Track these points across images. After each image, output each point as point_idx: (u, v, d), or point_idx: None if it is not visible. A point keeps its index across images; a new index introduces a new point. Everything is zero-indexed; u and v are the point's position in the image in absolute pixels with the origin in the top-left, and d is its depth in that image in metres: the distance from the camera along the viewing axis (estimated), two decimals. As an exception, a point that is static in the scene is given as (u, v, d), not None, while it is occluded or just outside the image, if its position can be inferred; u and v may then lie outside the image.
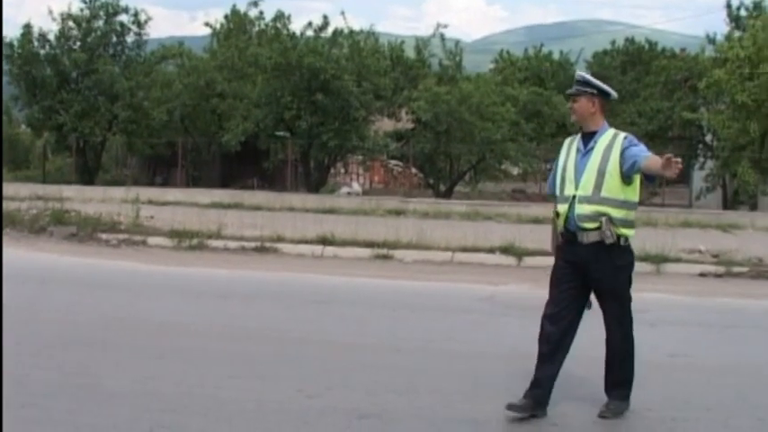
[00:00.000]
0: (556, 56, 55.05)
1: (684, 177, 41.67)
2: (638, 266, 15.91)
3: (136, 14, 41.57)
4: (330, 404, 7.22)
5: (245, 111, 37.31)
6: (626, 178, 7.09)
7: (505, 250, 16.71)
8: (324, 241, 17.40)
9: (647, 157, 6.93)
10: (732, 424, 7.08)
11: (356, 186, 44.21)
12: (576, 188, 7.15)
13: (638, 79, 46.65)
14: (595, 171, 7.09)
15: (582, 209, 7.09)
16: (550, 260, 16.64)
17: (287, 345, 9.44)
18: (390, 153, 41.89)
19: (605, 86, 7.47)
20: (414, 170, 42.98)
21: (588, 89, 7.37)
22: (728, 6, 38.55)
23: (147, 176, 45.84)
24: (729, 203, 36.80)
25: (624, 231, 7.12)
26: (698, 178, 39.25)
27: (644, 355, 9.05)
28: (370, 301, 12.34)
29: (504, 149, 38.34)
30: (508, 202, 33.46)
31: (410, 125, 42.23)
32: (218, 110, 40.67)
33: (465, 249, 16.94)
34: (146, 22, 41.75)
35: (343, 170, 46.71)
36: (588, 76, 7.49)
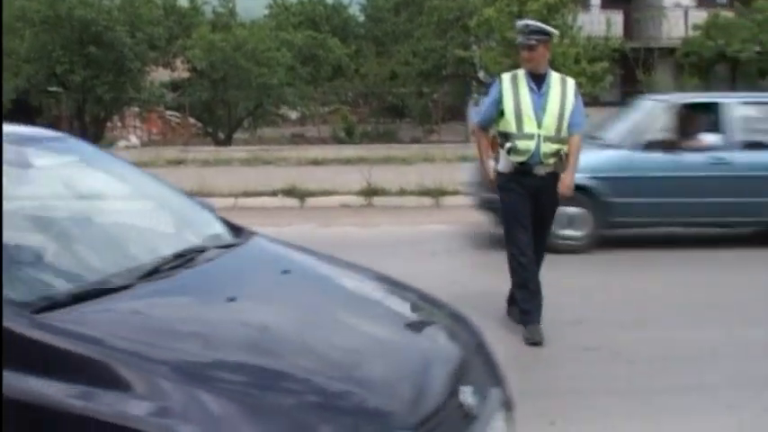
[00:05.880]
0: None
1: (459, 114, 42.65)
2: (419, 201, 16.48)
3: None
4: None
5: (14, 67, 36.13)
6: None
7: (288, 192, 16.92)
8: (104, 194, 17.20)
9: (578, 135, 7.84)
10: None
11: (134, 139, 43.41)
12: (539, 127, 7.64)
13: (411, 20, 47.18)
14: (557, 114, 7.69)
15: (547, 147, 7.67)
16: (332, 200, 16.99)
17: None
18: (167, 104, 41.35)
19: (553, 29, 8.05)
20: (192, 120, 42.58)
21: (545, 37, 7.80)
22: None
23: None
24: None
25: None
26: (473, 114, 40.06)
27: (429, 282, 9.44)
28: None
29: (281, 94, 38.38)
30: (288, 146, 33.65)
31: (186, 74, 41.82)
32: (-16, 67, 39.31)
33: (247, 194, 17.05)
34: None
35: (119, 123, 45.80)
36: (544, 25, 8.01)
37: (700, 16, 37.81)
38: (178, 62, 41.03)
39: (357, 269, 4.70)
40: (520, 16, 32.33)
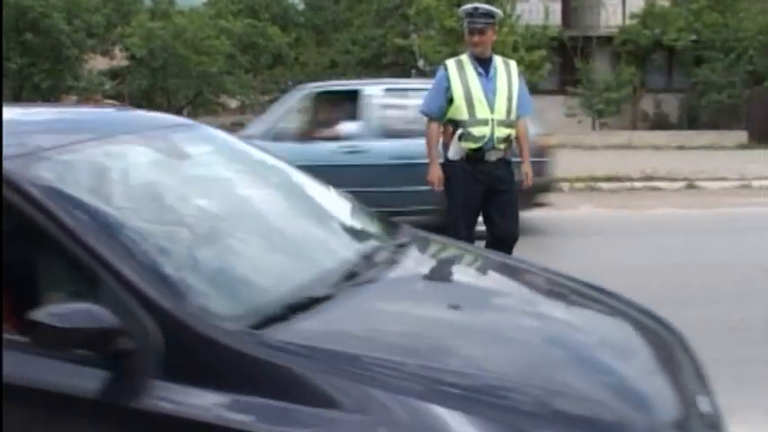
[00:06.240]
0: (269, -13, 54.97)
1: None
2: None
3: None
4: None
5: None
6: None
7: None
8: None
9: (525, 118, 7.82)
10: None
11: (72, 128, 43.14)
12: (492, 111, 7.46)
13: (351, 8, 47.14)
14: (506, 97, 7.53)
15: (500, 131, 7.48)
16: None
17: None
18: (106, 92, 41.03)
19: (499, 11, 8.06)
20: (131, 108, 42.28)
21: (493, 20, 7.72)
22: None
23: None
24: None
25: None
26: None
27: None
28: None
29: (220, 82, 38.31)
30: (228, 135, 33.53)
31: (125, 62, 41.53)
32: None
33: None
34: None
35: (57, 112, 45.44)
36: (492, 8, 7.90)
37: (637, 5, 38.08)
38: (117, 50, 40.73)
39: (529, 264, 4.42)
40: (459, 5, 32.38)
